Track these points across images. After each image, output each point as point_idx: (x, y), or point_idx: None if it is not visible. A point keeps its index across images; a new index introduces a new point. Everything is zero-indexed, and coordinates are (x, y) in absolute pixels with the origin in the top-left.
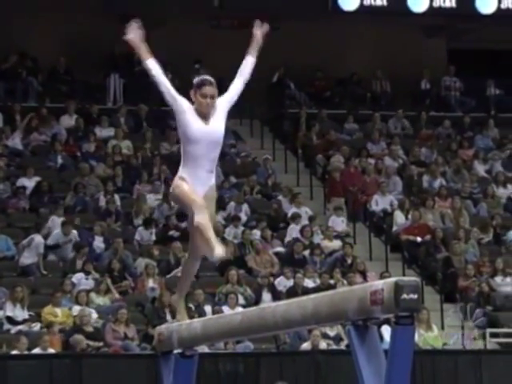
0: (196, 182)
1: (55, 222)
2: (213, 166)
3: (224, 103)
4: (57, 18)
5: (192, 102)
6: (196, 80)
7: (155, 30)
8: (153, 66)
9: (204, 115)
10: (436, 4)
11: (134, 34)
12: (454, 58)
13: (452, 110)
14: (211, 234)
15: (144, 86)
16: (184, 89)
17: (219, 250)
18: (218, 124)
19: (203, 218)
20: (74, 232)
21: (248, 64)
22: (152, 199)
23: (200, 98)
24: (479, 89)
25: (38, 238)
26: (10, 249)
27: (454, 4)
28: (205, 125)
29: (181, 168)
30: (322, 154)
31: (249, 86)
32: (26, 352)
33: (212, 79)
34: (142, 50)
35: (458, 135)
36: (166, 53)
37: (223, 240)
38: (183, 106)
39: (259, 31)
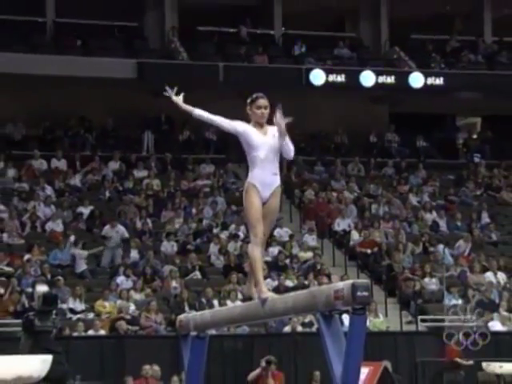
0: (263, 184)
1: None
2: (276, 168)
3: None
4: (107, 91)
5: (247, 121)
6: (250, 97)
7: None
8: (201, 113)
9: (260, 124)
10: (380, 81)
11: (176, 96)
12: (394, 119)
13: (392, 157)
14: (259, 275)
15: (169, 140)
16: (200, 143)
17: (264, 295)
18: (272, 135)
19: (256, 253)
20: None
21: (285, 145)
22: (175, 222)
23: (255, 109)
24: (412, 142)
25: (77, 251)
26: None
27: (393, 81)
28: (263, 135)
29: (250, 174)
30: (298, 189)
31: None
32: (83, 334)
33: (263, 94)
34: (185, 106)
35: (396, 175)
36: (187, 117)
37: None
38: (242, 126)
39: (281, 123)
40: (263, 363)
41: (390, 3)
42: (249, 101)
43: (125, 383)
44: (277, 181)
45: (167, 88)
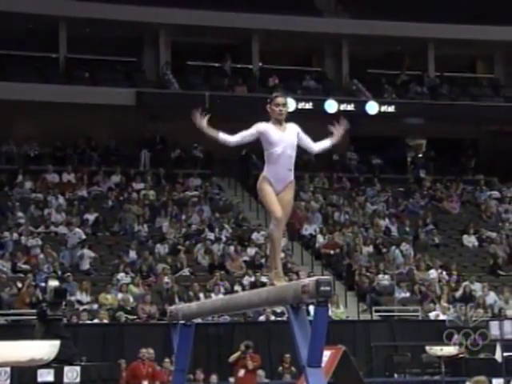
0: (277, 179)
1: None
2: (291, 164)
3: (297, 132)
4: (110, 116)
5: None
6: (271, 96)
7: (169, 124)
8: (226, 138)
9: (279, 121)
10: (342, 108)
11: (201, 120)
12: (353, 141)
13: (352, 173)
14: (277, 257)
15: (162, 157)
16: (188, 161)
17: (278, 282)
18: (291, 134)
19: (277, 233)
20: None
21: (325, 144)
22: (167, 227)
23: (274, 107)
24: (368, 160)
25: (86, 251)
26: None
27: (352, 108)
28: (281, 132)
29: (265, 168)
30: None
31: (226, 158)
32: (88, 322)
33: (282, 93)
34: (211, 131)
35: (355, 188)
36: (178, 138)
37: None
38: (261, 128)
39: (339, 131)
40: (242, 347)
41: (349, 44)
42: (269, 100)
43: (119, 365)
44: (290, 176)
45: (196, 113)
